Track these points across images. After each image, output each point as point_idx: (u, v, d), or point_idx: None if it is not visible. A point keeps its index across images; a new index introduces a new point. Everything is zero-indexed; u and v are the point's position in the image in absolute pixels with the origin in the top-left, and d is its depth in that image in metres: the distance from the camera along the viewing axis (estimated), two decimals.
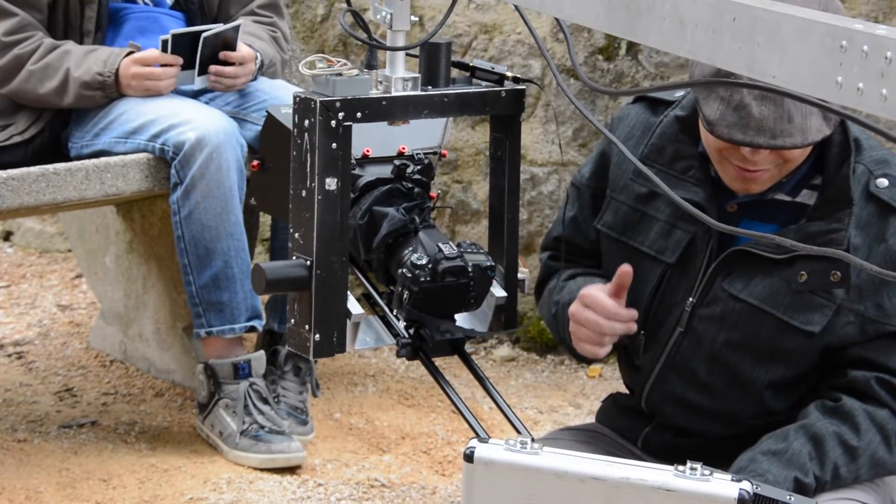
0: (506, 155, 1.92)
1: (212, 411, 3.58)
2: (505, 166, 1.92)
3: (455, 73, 1.92)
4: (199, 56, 3.57)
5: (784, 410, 2.41)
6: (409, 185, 1.89)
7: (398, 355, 1.87)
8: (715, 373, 2.41)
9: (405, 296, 1.81)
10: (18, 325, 4.46)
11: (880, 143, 2.45)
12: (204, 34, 3.57)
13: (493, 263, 1.85)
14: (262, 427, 3.51)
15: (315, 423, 3.73)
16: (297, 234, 1.78)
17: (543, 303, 2.58)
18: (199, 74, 3.62)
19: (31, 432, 3.68)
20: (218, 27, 3.63)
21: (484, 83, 1.92)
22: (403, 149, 1.95)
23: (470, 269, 1.82)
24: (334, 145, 1.75)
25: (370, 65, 1.83)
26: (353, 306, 1.83)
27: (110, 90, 3.58)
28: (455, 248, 1.83)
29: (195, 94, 3.74)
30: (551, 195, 4.33)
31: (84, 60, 3.57)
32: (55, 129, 3.68)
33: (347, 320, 1.82)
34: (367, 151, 1.93)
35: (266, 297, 3.84)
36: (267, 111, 1.98)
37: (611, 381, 2.69)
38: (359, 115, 1.77)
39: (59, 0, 3.65)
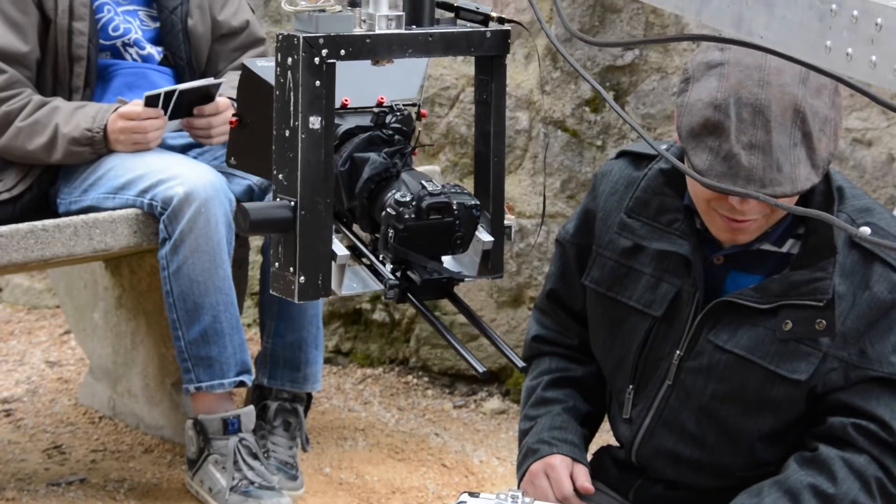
0: (491, 98, 1.88)
1: (201, 467, 3.56)
2: (490, 110, 1.88)
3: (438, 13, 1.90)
4: (171, 105, 3.58)
5: (774, 461, 2.40)
6: (390, 133, 1.87)
7: (386, 297, 1.82)
8: (704, 425, 2.40)
9: (390, 234, 1.77)
10: (7, 382, 4.44)
11: (863, 191, 2.46)
12: (181, 89, 3.57)
13: (478, 203, 1.82)
14: (252, 483, 3.49)
15: (305, 478, 3.71)
16: (280, 176, 1.75)
17: (522, 400, 2.64)
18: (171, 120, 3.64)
19: (20, 491, 3.65)
20: (197, 83, 3.64)
21: (469, 24, 1.90)
22: (382, 99, 1.93)
23: (455, 207, 1.78)
24: (318, 83, 1.73)
25: (353, 2, 1.81)
26: (339, 248, 1.80)
27: (99, 146, 3.58)
28: (439, 186, 1.81)
29: (183, 149, 3.75)
30: (539, 246, 4.33)
31: (73, 116, 3.58)
32: (43, 186, 3.68)
33: (333, 262, 1.78)
34: (346, 101, 1.91)
35: (255, 352, 3.83)
36: (243, 64, 1.95)
37: (601, 433, 2.68)
38: (342, 52, 1.74)
39: (48, 57, 3.66)
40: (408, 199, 1.77)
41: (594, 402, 2.61)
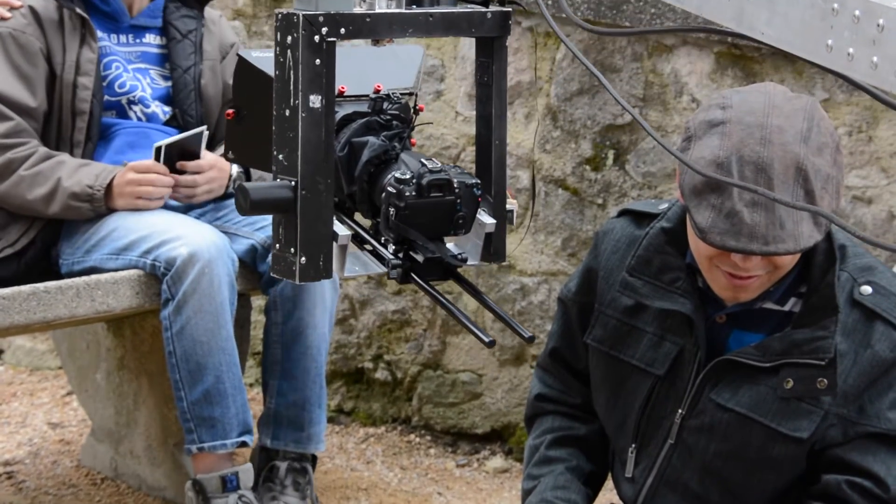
0: (492, 80, 1.87)
1: None
2: (492, 91, 1.88)
3: None
4: (161, 160, 3.59)
5: None
6: (387, 118, 1.86)
7: (389, 277, 1.80)
8: (707, 484, 2.39)
9: (391, 213, 1.76)
10: (9, 445, 4.42)
11: (867, 250, 2.46)
12: (163, 145, 3.58)
13: (479, 182, 1.81)
14: None
15: None
16: (280, 156, 1.74)
17: (525, 459, 2.63)
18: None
19: None
20: (179, 136, 3.65)
21: (469, 5, 1.89)
22: (379, 87, 1.92)
23: (456, 185, 1.77)
24: (318, 61, 1.72)
25: None
26: (340, 229, 1.78)
27: (98, 204, 3.59)
28: (439, 165, 1.80)
29: (186, 210, 3.76)
30: (541, 305, 4.33)
31: (76, 172, 3.59)
32: (46, 241, 3.68)
33: (334, 243, 1.77)
34: (343, 89, 1.89)
35: (258, 412, 3.82)
36: (238, 55, 1.94)
37: (605, 492, 2.67)
38: (342, 30, 1.73)
39: (53, 110, 3.68)
40: (408, 176, 1.76)
41: (597, 461, 2.61)
